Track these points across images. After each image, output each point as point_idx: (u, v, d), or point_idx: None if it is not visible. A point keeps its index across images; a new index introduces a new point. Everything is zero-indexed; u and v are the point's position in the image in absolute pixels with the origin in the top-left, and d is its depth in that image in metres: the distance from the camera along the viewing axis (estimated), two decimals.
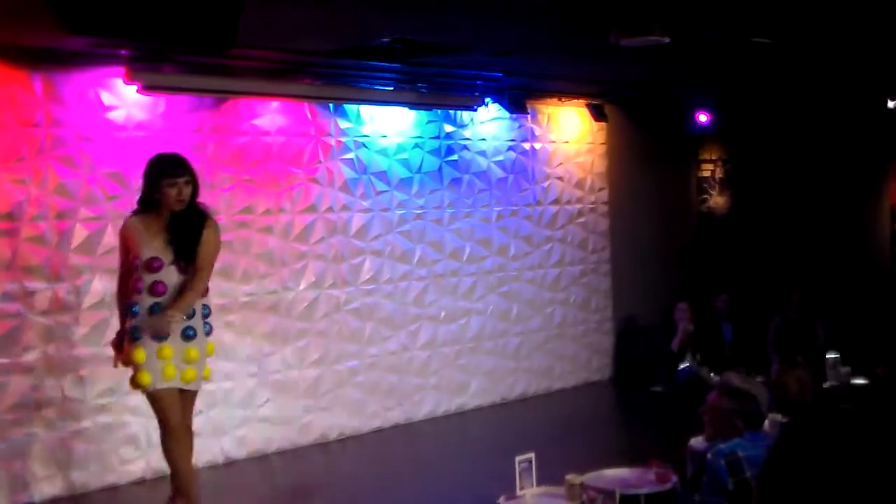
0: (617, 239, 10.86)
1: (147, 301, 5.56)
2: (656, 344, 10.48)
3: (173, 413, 5.69)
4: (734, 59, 8.14)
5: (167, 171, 5.57)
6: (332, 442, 8.30)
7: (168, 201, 5.54)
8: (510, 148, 9.84)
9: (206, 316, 5.78)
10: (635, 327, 10.93)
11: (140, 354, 5.53)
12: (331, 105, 8.33)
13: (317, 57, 7.51)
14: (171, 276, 5.58)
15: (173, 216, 5.60)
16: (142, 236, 5.58)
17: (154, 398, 5.65)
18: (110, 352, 7.02)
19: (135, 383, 5.64)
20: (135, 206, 5.73)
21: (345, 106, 8.43)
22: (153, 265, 5.55)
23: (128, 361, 5.63)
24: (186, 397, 5.79)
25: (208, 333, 5.81)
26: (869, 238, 11.41)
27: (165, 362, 5.56)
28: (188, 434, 5.90)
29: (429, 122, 9.10)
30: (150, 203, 5.62)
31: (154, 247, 5.56)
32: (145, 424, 7.24)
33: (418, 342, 9.03)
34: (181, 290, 5.59)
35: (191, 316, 5.64)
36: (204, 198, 7.50)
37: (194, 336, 5.65)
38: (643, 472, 5.58)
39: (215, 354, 6.06)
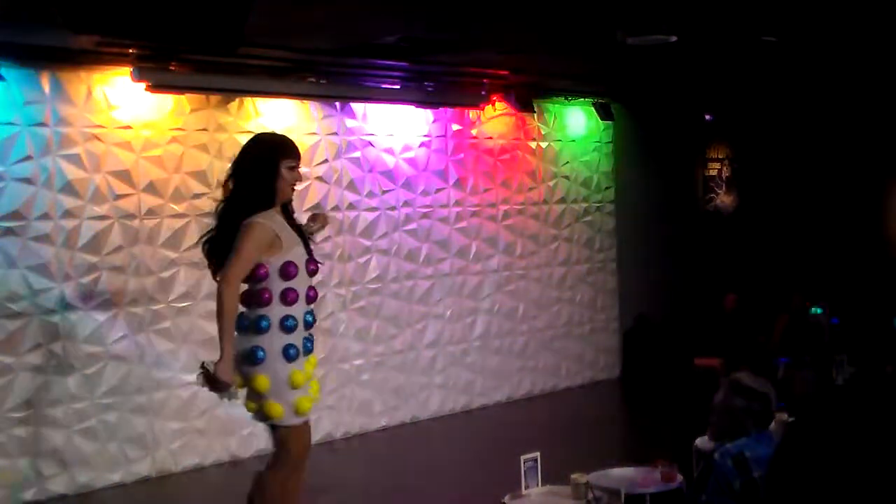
0: (623, 238, 10.85)
1: (278, 312, 4.58)
2: (663, 342, 10.46)
3: (304, 447, 4.80)
4: (741, 57, 8.13)
5: (286, 150, 4.70)
6: (337, 440, 8.30)
7: (284, 188, 4.65)
8: (516, 146, 9.83)
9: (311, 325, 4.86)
10: (642, 326, 10.93)
11: (263, 382, 4.54)
12: (337, 104, 8.33)
13: (323, 56, 7.52)
14: (302, 282, 4.68)
15: (288, 213, 4.75)
16: (286, 240, 4.63)
17: (287, 433, 4.69)
18: (118, 350, 7.11)
19: (260, 414, 4.65)
20: (252, 202, 4.59)
21: (351, 104, 8.43)
22: (290, 272, 4.60)
23: (242, 386, 4.64)
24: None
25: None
26: (878, 236, 11.39)
27: (299, 390, 4.63)
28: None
29: (435, 120, 9.10)
30: (269, 194, 4.61)
31: (292, 251, 4.64)
32: (151, 423, 7.27)
33: (424, 341, 9.03)
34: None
35: (310, 324, 4.75)
36: (211, 196, 7.58)
37: (312, 349, 4.80)
38: (649, 472, 5.57)
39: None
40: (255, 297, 4.61)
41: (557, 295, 10.23)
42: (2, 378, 6.58)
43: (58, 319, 6.83)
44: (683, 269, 11.27)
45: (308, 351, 4.73)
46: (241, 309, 4.61)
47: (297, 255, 4.66)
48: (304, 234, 4.78)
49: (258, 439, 7.76)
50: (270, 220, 4.57)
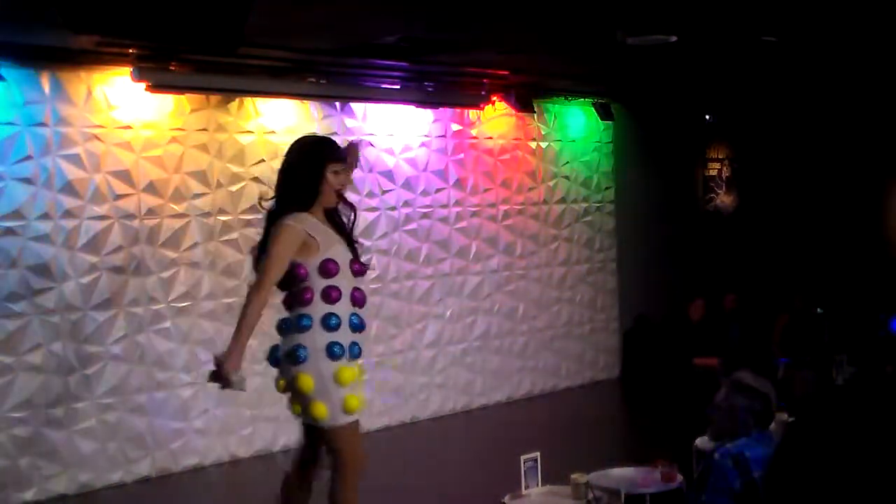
0: (623, 238, 10.85)
1: (320, 310, 4.49)
2: (663, 342, 10.46)
3: (359, 449, 4.63)
4: (741, 57, 8.13)
5: (331, 153, 4.64)
6: None
7: (327, 192, 4.59)
8: (516, 146, 9.83)
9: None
10: (642, 326, 10.93)
11: (307, 382, 4.44)
12: (337, 104, 8.33)
13: (323, 56, 7.52)
14: (345, 282, 4.58)
15: (331, 216, 4.69)
16: (322, 240, 4.55)
17: (335, 435, 4.58)
18: (118, 350, 7.11)
19: (306, 417, 4.60)
20: (289, 203, 4.56)
21: (351, 104, 8.43)
22: (329, 269, 4.51)
23: (285, 389, 4.63)
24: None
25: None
26: (878, 236, 11.39)
27: (347, 387, 4.51)
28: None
29: (435, 120, 9.10)
30: (311, 195, 4.56)
31: (332, 249, 4.56)
32: (151, 423, 7.27)
33: (424, 341, 9.03)
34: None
35: (357, 327, 4.62)
36: (211, 196, 7.59)
37: (360, 354, 4.65)
38: (649, 472, 5.57)
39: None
40: (297, 298, 4.54)
41: (557, 295, 10.23)
42: (2, 378, 6.58)
43: (58, 319, 6.83)
44: (683, 269, 11.27)
45: (355, 356, 4.58)
46: (285, 314, 4.59)
47: (338, 253, 4.57)
48: (349, 237, 4.71)
49: (258, 439, 7.78)
50: (301, 223, 4.49)
